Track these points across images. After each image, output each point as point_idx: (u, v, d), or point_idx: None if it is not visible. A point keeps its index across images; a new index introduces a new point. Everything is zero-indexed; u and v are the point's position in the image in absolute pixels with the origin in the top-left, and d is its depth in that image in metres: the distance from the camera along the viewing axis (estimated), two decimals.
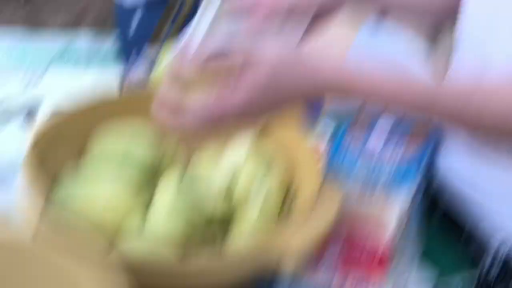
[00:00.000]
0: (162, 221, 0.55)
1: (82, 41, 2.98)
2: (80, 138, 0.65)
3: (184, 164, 0.65)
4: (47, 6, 3.21)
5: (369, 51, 0.67)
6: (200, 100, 0.46)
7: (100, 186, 0.58)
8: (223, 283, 0.51)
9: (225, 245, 0.58)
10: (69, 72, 2.81)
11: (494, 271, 0.60)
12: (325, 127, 0.75)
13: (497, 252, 0.60)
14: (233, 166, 0.62)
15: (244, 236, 0.58)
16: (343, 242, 0.60)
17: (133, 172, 0.60)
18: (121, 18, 1.25)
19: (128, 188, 0.58)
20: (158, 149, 0.64)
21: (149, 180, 0.61)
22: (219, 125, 0.47)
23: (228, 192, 0.61)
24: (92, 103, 0.68)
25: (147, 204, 0.58)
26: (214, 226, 0.59)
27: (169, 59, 0.57)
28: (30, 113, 2.13)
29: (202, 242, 0.57)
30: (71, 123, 0.65)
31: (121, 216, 0.56)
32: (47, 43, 3.03)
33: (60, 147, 0.62)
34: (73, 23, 3.07)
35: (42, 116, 0.77)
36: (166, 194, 0.57)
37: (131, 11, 1.23)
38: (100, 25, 2.98)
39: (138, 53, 1.11)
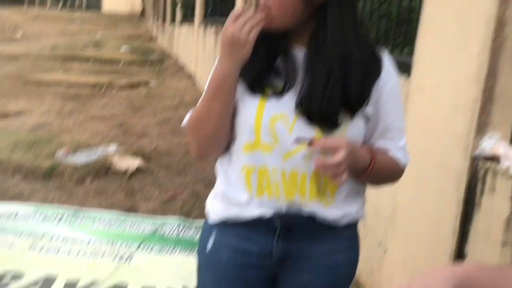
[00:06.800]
0: None
1: (169, 227, 3.03)
2: None
3: None
4: (141, 193, 3.68)
5: None
6: None
7: None
8: None
9: None
10: (153, 258, 3.00)
11: None
12: None
13: None
14: None
15: None
16: None
17: None
18: (203, 231, 1.29)
19: None
20: None
21: None
22: None
23: None
24: None
25: None
26: None
27: None
28: None
29: None
30: None
31: None
32: (138, 227, 3.17)
33: None
34: (162, 210, 3.41)
35: None
36: None
37: (211, 228, 1.25)
38: (185, 215, 3.32)
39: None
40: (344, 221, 1.18)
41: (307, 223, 1.15)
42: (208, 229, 1.24)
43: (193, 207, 3.41)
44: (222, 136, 1.14)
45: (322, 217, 1.15)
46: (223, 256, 1.20)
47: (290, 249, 1.17)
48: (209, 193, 1.28)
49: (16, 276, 2.43)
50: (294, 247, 1.17)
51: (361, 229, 1.27)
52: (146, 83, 7.93)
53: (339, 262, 1.20)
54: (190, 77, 8.74)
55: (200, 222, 1.41)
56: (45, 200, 3.44)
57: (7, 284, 2.35)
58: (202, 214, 1.33)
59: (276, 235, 1.15)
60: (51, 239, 2.81)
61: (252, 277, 1.18)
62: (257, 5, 1.08)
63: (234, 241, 1.19)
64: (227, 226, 1.19)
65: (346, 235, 1.22)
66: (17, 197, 3.47)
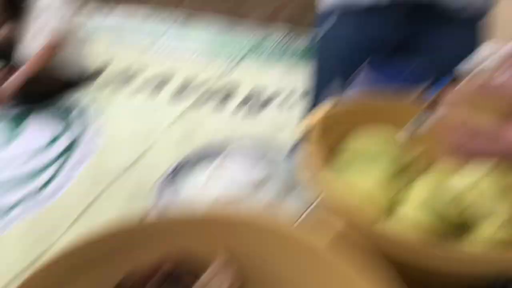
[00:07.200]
0: (414, 211, 0.63)
1: (276, 36, 2.82)
2: (343, 130, 0.74)
3: (427, 168, 0.72)
4: (248, 1, 3.37)
5: None
6: (490, 125, 0.49)
7: (360, 176, 0.67)
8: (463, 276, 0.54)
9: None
10: (262, 63, 2.66)
11: None
12: None
13: None
14: (473, 177, 0.65)
15: (478, 246, 0.61)
16: None
17: (385, 168, 0.70)
18: (318, 19, 1.22)
19: (382, 181, 0.67)
20: (404, 152, 0.72)
21: (395, 177, 0.69)
22: (500, 154, 0.49)
23: (463, 199, 0.64)
24: (357, 103, 0.76)
25: (395, 198, 0.66)
26: (450, 227, 0.63)
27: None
28: (225, 97, 2.10)
29: (442, 239, 0.62)
30: (340, 117, 0.74)
31: (378, 204, 0.65)
32: (246, 35, 2.82)
33: (329, 134, 0.70)
34: (269, 18, 3.17)
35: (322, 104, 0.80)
36: (418, 189, 0.66)
37: (328, 13, 1.17)
38: (294, 23, 3.09)
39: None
40: (469, 10, 1.12)
41: (428, 10, 1.11)
42: (325, 14, 1.24)
43: (301, 18, 3.37)
44: None
45: (444, 3, 1.09)
46: (339, 40, 1.22)
47: (407, 36, 1.15)
48: (317, 4, 1.26)
49: (139, 70, 2.66)
50: (411, 34, 1.15)
51: None
52: None
53: (456, 56, 1.18)
54: None
55: (308, 32, 1.43)
56: (159, 3, 3.57)
57: (131, 76, 2.59)
58: (310, 25, 1.34)
59: (395, 21, 1.13)
60: (167, 39, 2.98)
61: (366, 60, 1.21)
62: None
63: (351, 26, 1.19)
64: (345, 11, 1.18)
65: (468, 30, 1.17)
66: (133, 0, 3.61)
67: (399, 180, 0.74)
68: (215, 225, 0.56)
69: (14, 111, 1.31)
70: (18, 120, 1.32)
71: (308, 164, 0.64)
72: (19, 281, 0.45)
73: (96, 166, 1.13)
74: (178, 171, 0.83)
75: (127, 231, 0.56)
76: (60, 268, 0.53)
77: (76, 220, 0.97)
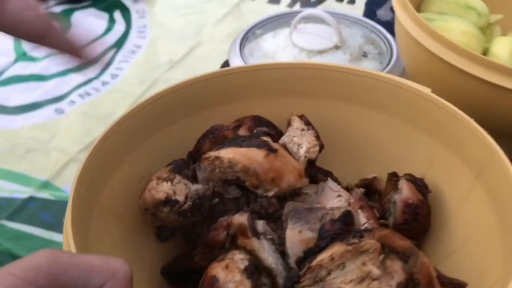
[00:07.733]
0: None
1: None
2: None
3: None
4: None
5: None
6: None
7: (452, 21, 0.68)
8: None
9: None
10: None
11: None
12: None
13: None
14: None
15: None
16: None
17: (474, 19, 0.71)
18: None
19: (474, 30, 0.68)
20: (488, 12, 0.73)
21: (483, 31, 0.70)
22: None
23: None
24: None
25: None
26: None
27: None
28: None
29: None
30: None
31: (475, 47, 0.66)
32: None
33: None
34: None
35: None
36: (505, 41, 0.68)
37: None
38: None
39: None
40: None
41: None
42: None
43: None
44: None
45: None
46: None
47: None
48: None
49: None
50: None
51: None
52: None
53: None
54: None
55: None
56: None
57: None
58: None
59: None
60: None
61: None
62: None
63: None
64: None
65: None
66: None
67: (486, 35, 0.72)
68: (299, 76, 0.54)
69: (59, 8, 1.29)
70: (63, 17, 1.30)
71: (399, 11, 0.61)
72: (84, 154, 0.43)
73: (145, 59, 1.11)
74: (244, 42, 0.81)
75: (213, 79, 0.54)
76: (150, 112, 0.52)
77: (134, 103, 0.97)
